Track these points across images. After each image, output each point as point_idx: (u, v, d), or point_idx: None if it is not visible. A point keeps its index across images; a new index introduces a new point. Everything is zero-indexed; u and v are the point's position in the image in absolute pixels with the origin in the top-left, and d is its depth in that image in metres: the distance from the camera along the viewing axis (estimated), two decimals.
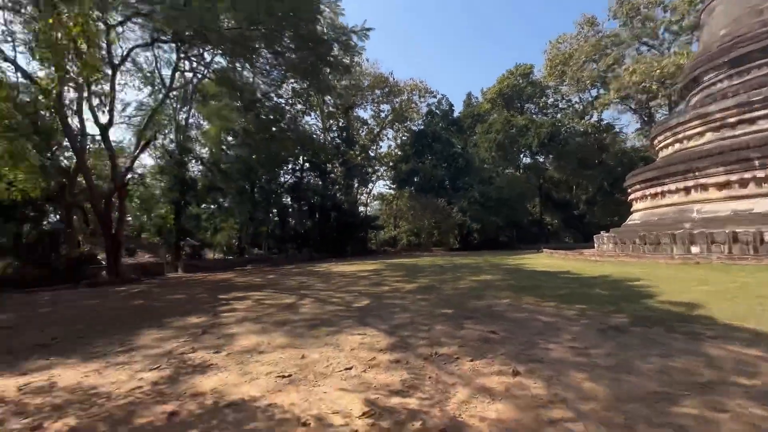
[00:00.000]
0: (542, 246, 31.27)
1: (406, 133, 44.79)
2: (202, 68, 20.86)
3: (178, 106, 24.05)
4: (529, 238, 41.00)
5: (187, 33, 13.73)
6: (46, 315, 8.50)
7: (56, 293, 12.66)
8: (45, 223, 19.10)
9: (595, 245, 22.26)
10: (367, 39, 19.59)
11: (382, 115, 43.39)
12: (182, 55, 18.52)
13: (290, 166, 32.73)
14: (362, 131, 43.26)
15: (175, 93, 23.82)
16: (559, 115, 48.76)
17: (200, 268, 21.14)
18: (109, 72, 15.18)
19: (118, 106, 19.51)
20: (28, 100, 16.97)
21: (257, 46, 16.61)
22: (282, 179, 32.48)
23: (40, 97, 15.36)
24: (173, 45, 17.59)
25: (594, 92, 46.69)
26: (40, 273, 14.61)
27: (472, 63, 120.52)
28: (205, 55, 20.17)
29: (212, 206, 27.45)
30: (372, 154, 42.66)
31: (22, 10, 12.94)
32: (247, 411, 3.28)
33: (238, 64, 19.72)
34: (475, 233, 38.69)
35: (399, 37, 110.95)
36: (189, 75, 22.18)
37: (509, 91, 47.94)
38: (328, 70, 20.68)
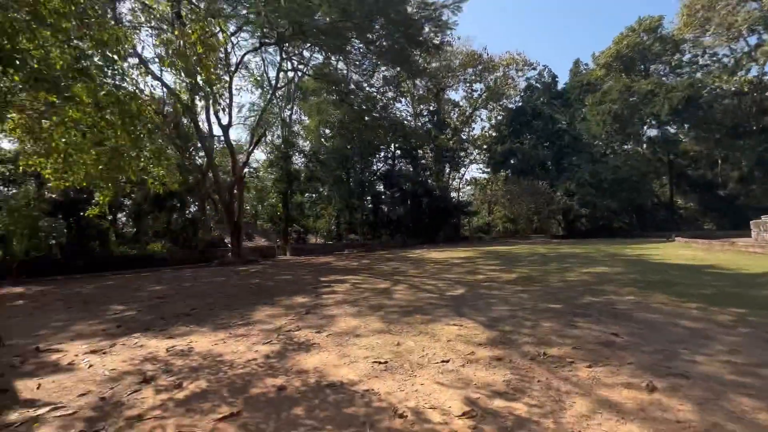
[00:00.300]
0: (673, 234, 26.32)
1: (501, 112, 41.85)
2: (302, 66, 22.45)
3: (283, 104, 26.48)
4: (654, 225, 34.96)
5: (287, 33, 14.79)
6: (187, 288, 10.23)
7: (195, 270, 15.21)
8: (188, 212, 23.00)
9: (753, 234, 17.78)
10: (459, 12, 18.58)
11: (475, 94, 41.14)
12: (284, 56, 20.17)
13: (382, 154, 33.52)
14: (453, 114, 41.79)
15: (280, 93, 26.29)
16: (698, 74, 39.80)
17: (304, 252, 23.22)
18: (227, 78, 17.35)
19: (235, 109, 22.38)
20: (171, 110, 20.55)
21: (349, 35, 17.07)
22: (375, 167, 33.49)
23: (179, 107, 18.42)
24: (277, 47, 19.24)
25: (753, 40, 36.69)
26: (184, 253, 17.77)
27: (580, 25, 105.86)
28: (304, 53, 21.66)
29: (313, 195, 29.83)
30: (464, 137, 41.00)
31: (163, 35, 15.50)
32: (346, 393, 3.33)
33: (333, 59, 20.67)
34: (583, 219, 34.56)
35: (494, 4, 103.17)
36: (291, 74, 24.11)
37: (629, 51, 40.74)
38: (418, 52, 20.29)
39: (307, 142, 30.87)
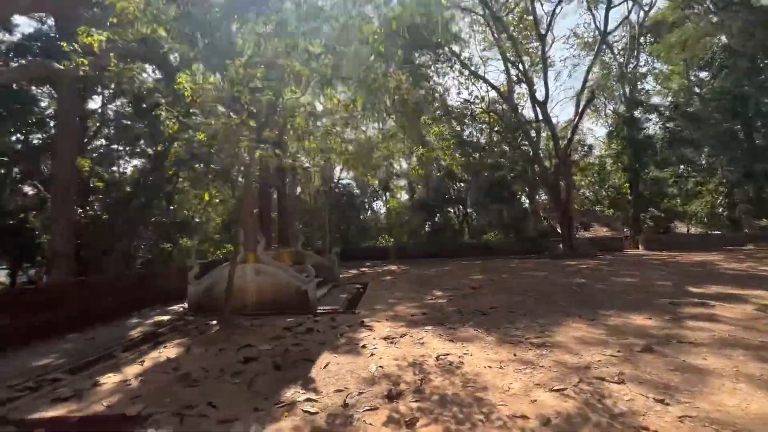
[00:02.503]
0: None
1: None
2: None
3: (624, 58, 20.77)
4: None
5: None
6: (502, 281, 9.56)
7: (522, 262, 14.55)
8: (519, 203, 23.04)
9: None
10: None
11: None
12: None
13: None
14: None
15: (619, 47, 20.98)
16: None
17: (668, 246, 16.98)
18: (538, 45, 15.44)
19: (552, 80, 19.66)
20: (500, 107, 21.25)
21: None
22: None
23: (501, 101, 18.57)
24: None
25: None
26: (514, 244, 17.67)
27: None
28: None
29: (680, 167, 21.39)
30: None
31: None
32: None
33: None
34: None
35: None
36: (629, 5, 18.40)
37: None
38: None
39: (668, 97, 22.75)
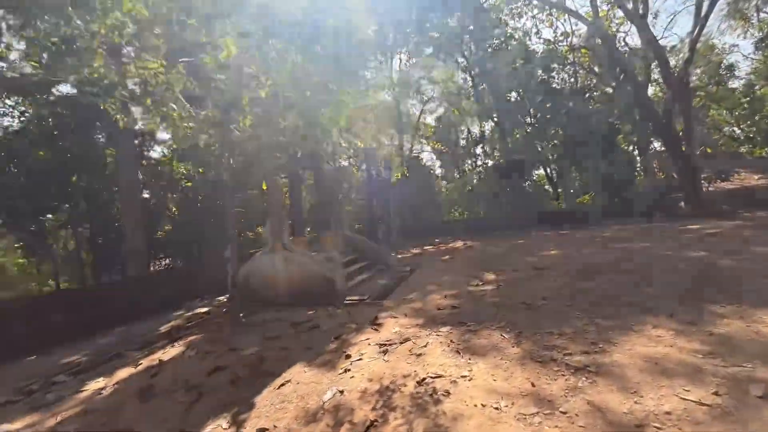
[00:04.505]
0: None
1: None
2: None
3: None
4: None
5: None
6: (580, 258, 7.53)
7: (621, 227, 11.68)
8: (627, 156, 18.87)
9: None
10: None
11: None
12: None
13: None
14: None
15: None
16: None
17: None
18: None
19: None
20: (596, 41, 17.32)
21: None
22: None
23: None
24: None
25: None
26: (616, 207, 14.42)
27: None
28: None
29: None
30: None
31: None
32: None
33: None
34: None
35: None
36: None
37: None
38: None
39: None
